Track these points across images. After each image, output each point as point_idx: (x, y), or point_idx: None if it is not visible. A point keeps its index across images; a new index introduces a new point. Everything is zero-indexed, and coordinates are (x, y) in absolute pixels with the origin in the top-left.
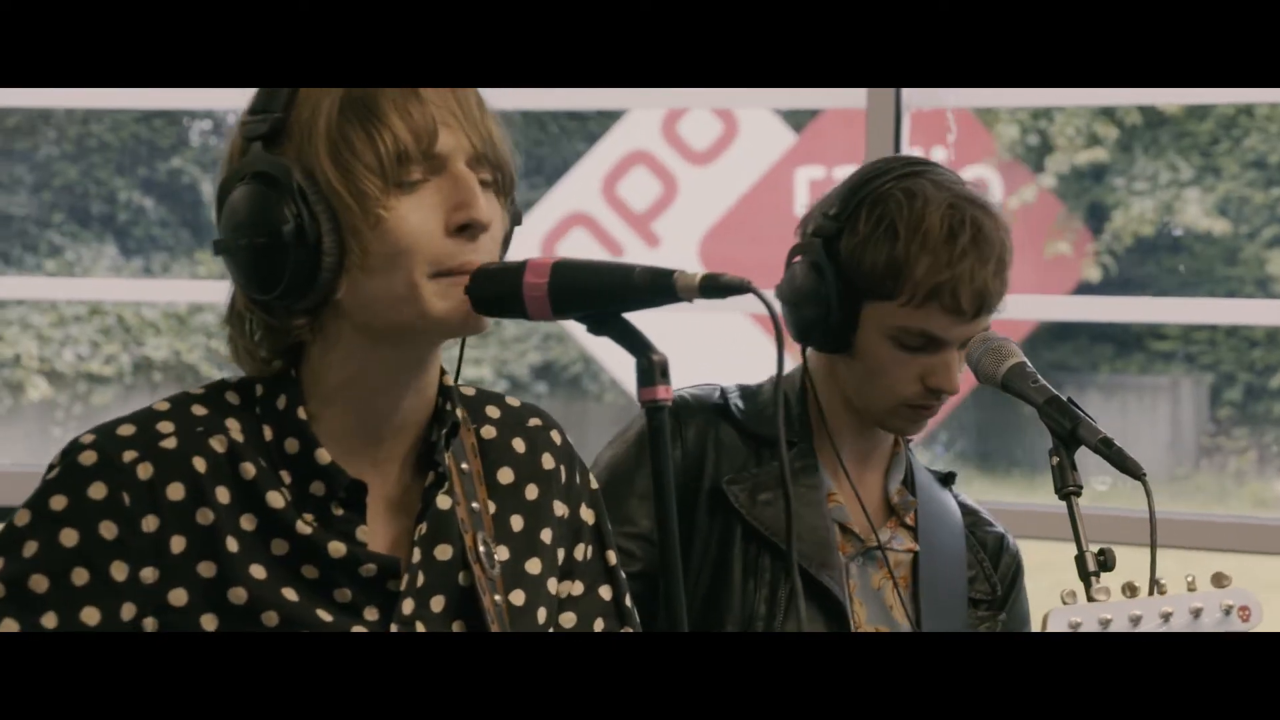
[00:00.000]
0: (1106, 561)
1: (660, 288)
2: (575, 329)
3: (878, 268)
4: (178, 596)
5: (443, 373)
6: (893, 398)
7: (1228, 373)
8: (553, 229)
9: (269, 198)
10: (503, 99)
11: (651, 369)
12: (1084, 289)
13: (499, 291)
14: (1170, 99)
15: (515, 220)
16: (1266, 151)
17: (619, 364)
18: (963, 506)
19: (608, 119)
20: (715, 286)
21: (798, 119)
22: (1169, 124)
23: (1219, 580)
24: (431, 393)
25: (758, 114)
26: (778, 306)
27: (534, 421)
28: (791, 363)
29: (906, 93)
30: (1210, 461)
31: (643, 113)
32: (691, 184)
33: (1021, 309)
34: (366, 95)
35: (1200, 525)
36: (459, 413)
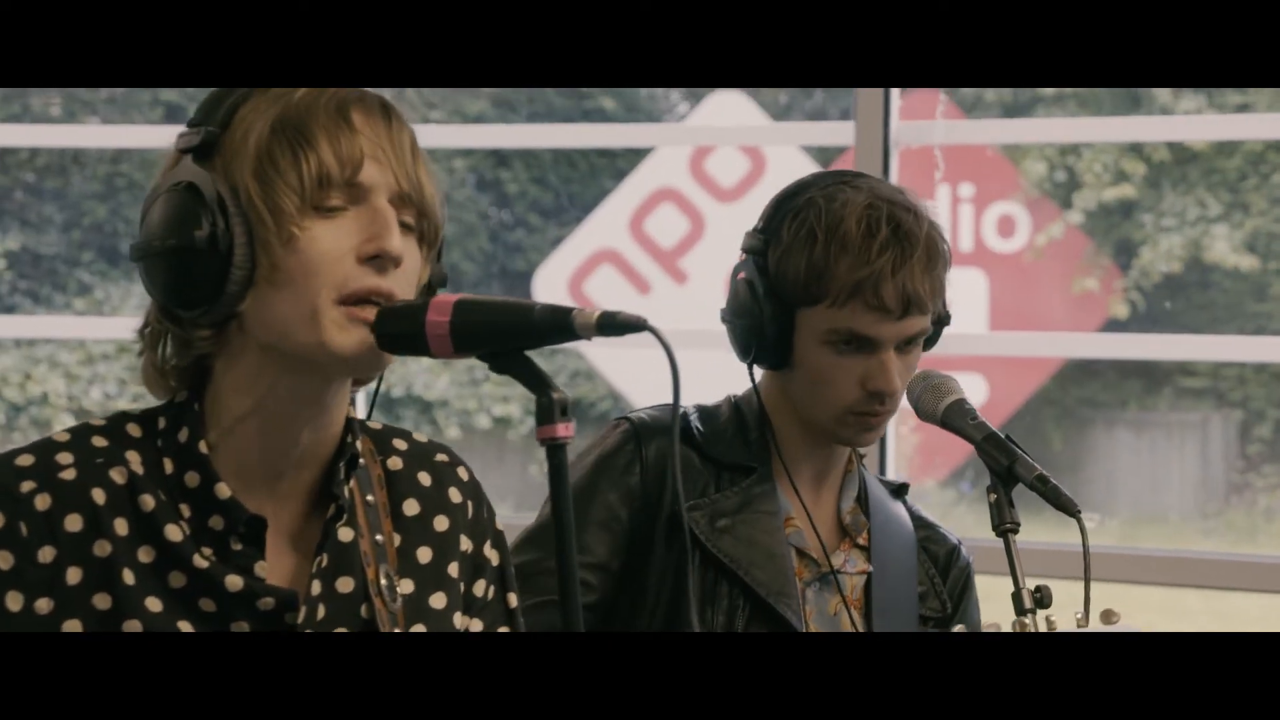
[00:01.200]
0: (1043, 599)
1: (559, 325)
2: (603, 366)
3: (801, 274)
4: (72, 627)
5: (351, 402)
6: (837, 405)
7: (1257, 409)
8: (580, 266)
9: (188, 206)
10: (534, 137)
11: (551, 406)
12: (1112, 325)
13: (403, 329)
14: (1198, 134)
15: (440, 280)
16: None
17: (647, 399)
18: (915, 519)
19: (636, 156)
20: (612, 324)
21: (825, 155)
22: (1197, 160)
23: (1108, 617)
24: (336, 430)
25: (785, 150)
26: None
27: (440, 457)
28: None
29: (895, 128)
30: (1240, 498)
31: (670, 150)
32: (719, 221)
33: (1049, 346)
34: (300, 119)
35: (1228, 565)
36: (360, 444)
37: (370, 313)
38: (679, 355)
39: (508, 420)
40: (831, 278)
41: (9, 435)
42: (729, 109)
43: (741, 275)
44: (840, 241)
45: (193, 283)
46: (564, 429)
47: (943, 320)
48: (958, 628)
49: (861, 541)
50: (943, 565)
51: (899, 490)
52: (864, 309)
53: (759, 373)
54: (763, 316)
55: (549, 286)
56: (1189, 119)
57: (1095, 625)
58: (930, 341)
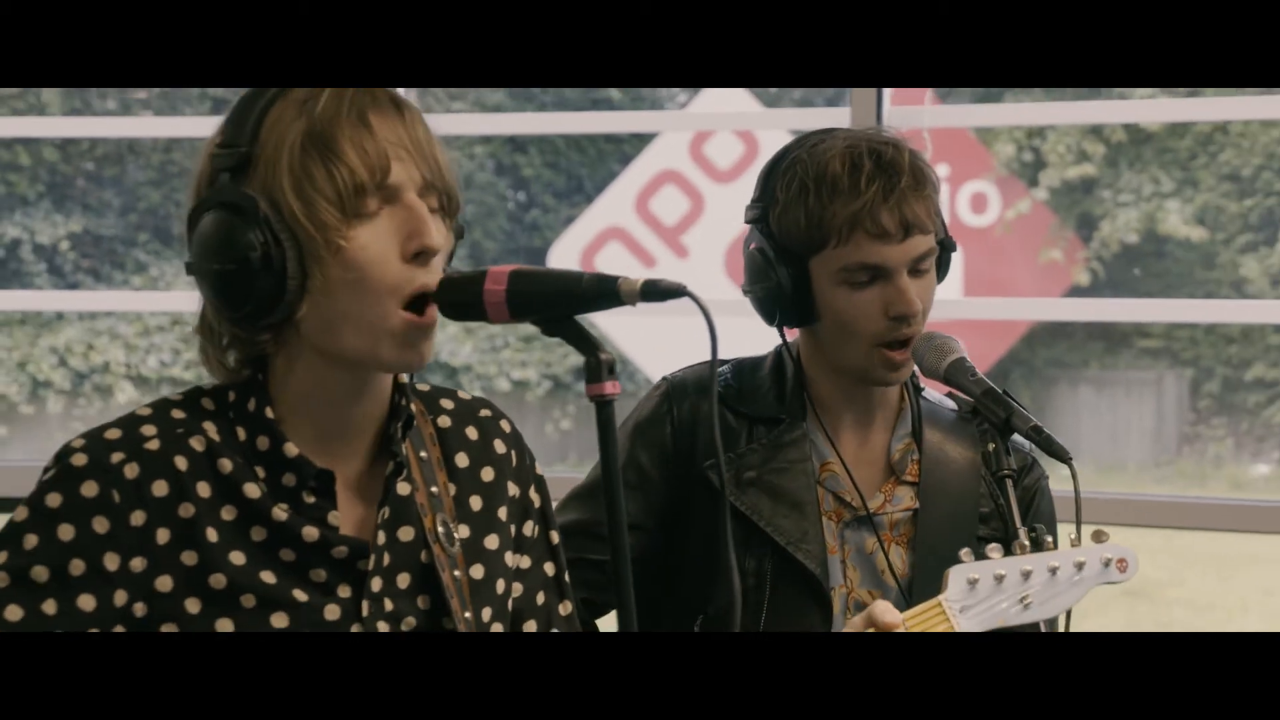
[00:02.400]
0: (1038, 538)
1: (606, 292)
2: (613, 333)
3: (802, 225)
4: (163, 583)
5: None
6: (866, 339)
7: (1207, 367)
8: (590, 242)
9: (237, 226)
10: (545, 124)
11: (599, 367)
12: (1075, 292)
13: (463, 298)
14: (1153, 116)
15: (458, 235)
16: (1240, 165)
17: (653, 362)
18: (984, 436)
19: (641, 141)
20: (655, 291)
21: None
22: (1151, 141)
23: (1099, 536)
24: (385, 396)
25: (776, 134)
26: (720, 304)
27: (485, 412)
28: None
29: (887, 113)
30: (1191, 448)
31: (672, 135)
32: (717, 200)
33: (1018, 310)
34: (326, 132)
35: (1182, 506)
36: (413, 406)
37: (426, 318)
38: (683, 324)
39: (525, 383)
40: (830, 219)
41: (74, 400)
42: (725, 97)
43: (752, 246)
44: (830, 185)
45: (252, 299)
46: (611, 386)
47: (948, 245)
48: (1025, 532)
49: (910, 477)
50: (1004, 482)
51: (974, 412)
52: (867, 239)
53: (791, 334)
54: (779, 276)
55: (562, 262)
56: (1144, 103)
57: (1088, 543)
58: (942, 268)
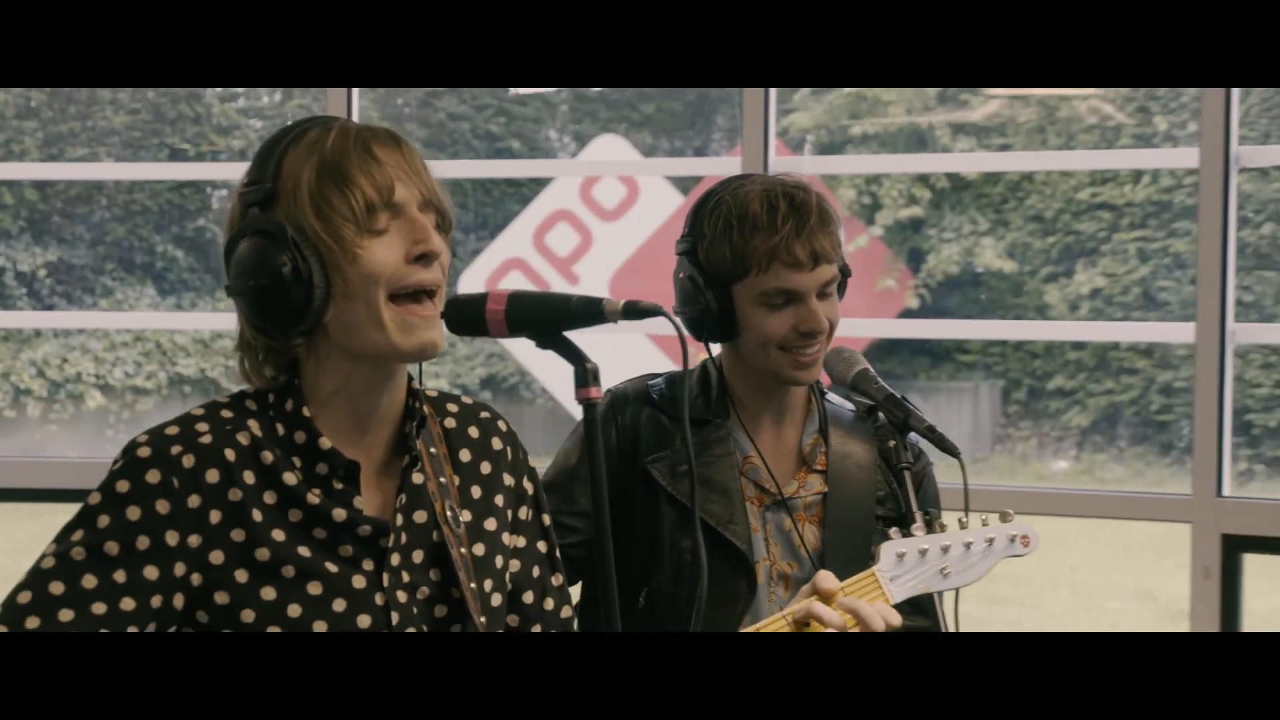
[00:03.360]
0: (931, 520)
1: (592, 312)
2: (514, 349)
3: (728, 257)
4: (216, 556)
5: (410, 380)
6: (779, 350)
7: (1015, 379)
8: (494, 271)
9: (269, 248)
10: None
11: (586, 374)
12: (906, 314)
13: (467, 316)
14: (970, 167)
15: (451, 251)
16: (1044, 209)
17: (548, 376)
18: (882, 432)
19: (538, 185)
20: (635, 310)
21: (684, 184)
22: (970, 187)
23: (1005, 516)
24: (402, 395)
25: (654, 180)
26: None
27: (484, 414)
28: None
29: (773, 162)
30: (1002, 447)
31: (565, 180)
32: (604, 235)
33: (857, 329)
34: (338, 163)
35: (997, 494)
36: (425, 409)
37: (424, 309)
38: (583, 344)
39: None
40: (752, 252)
41: (50, 405)
42: (609, 148)
43: (682, 274)
44: (751, 223)
45: (287, 307)
46: (595, 391)
47: (845, 272)
48: (920, 515)
49: (819, 466)
50: (899, 471)
51: (870, 411)
52: (783, 268)
53: (713, 350)
54: (707, 300)
55: (470, 289)
56: (963, 155)
57: (996, 522)
58: (841, 289)
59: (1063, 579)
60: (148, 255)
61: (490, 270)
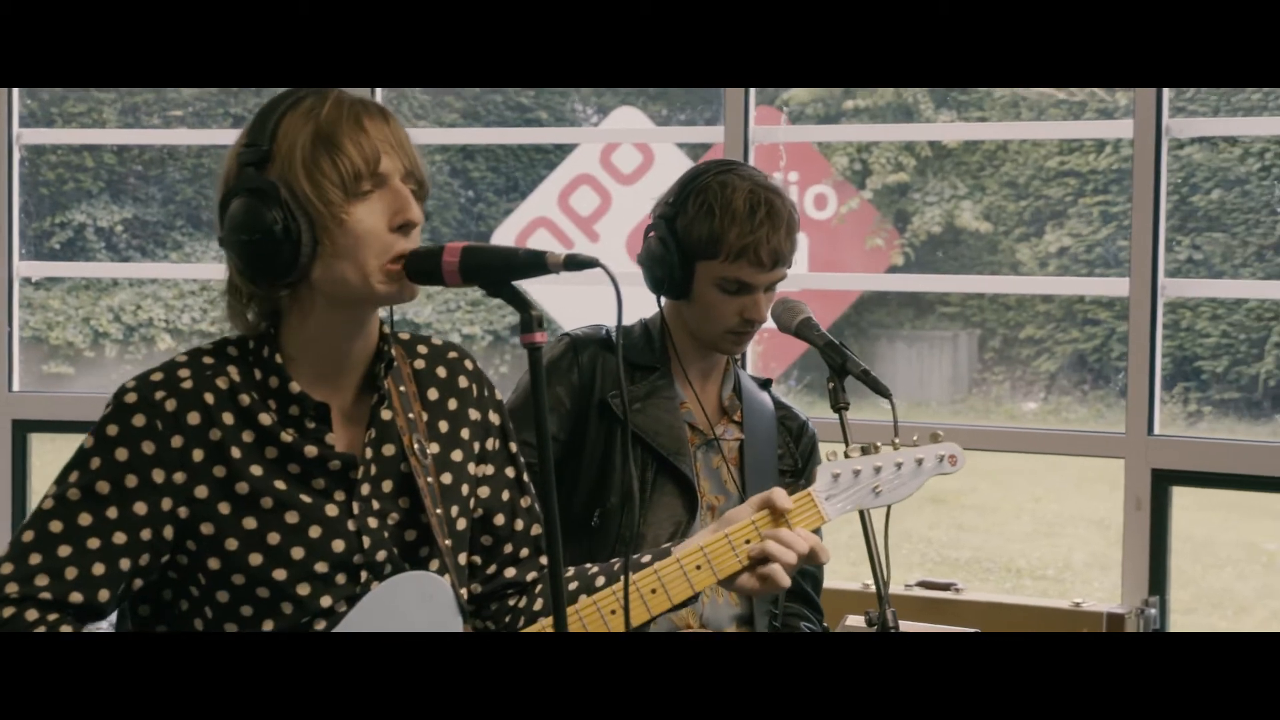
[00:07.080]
0: (866, 449)
1: (536, 263)
2: (541, 298)
3: (703, 237)
4: (200, 491)
5: (381, 323)
6: (721, 328)
7: (991, 328)
8: (523, 229)
9: (261, 206)
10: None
11: (531, 320)
12: (893, 269)
13: (426, 267)
14: (952, 136)
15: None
16: (1017, 175)
17: (574, 321)
18: (776, 403)
19: (563, 151)
20: (574, 262)
21: (695, 151)
22: (951, 155)
23: (934, 437)
24: (374, 340)
25: (667, 147)
26: (621, 276)
27: (452, 354)
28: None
29: (752, 131)
30: (979, 390)
31: (587, 147)
32: (622, 198)
33: (849, 283)
34: (330, 131)
35: (973, 433)
36: (394, 350)
37: (400, 267)
38: (600, 290)
39: (472, 337)
40: (725, 241)
41: (126, 347)
42: (628, 118)
43: (654, 234)
44: (732, 215)
45: (275, 262)
46: (540, 336)
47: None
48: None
49: (736, 418)
50: (795, 435)
51: (765, 384)
52: (747, 265)
53: (662, 301)
54: (672, 264)
55: (503, 241)
56: (945, 125)
57: (925, 443)
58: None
59: (1026, 508)
60: (214, 213)
61: (520, 228)
